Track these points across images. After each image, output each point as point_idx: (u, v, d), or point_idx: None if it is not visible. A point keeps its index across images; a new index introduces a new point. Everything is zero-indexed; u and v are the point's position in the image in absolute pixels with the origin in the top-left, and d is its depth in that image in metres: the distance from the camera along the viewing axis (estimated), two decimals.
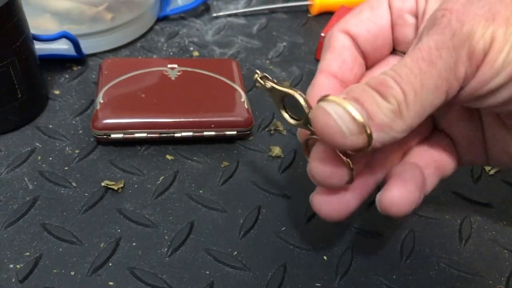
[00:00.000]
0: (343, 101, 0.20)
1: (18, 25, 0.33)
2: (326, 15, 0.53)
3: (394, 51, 0.27)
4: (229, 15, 0.53)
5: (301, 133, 0.26)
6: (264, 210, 0.34)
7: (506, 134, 0.25)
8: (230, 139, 0.38)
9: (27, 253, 0.30)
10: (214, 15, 0.52)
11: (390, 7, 0.26)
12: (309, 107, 0.23)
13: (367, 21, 0.26)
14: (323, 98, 0.21)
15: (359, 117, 0.20)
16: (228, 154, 0.37)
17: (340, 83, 0.26)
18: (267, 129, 0.40)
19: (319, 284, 0.30)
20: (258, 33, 0.51)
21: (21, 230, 0.31)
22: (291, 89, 0.23)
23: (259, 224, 0.33)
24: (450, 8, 0.21)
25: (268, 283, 0.29)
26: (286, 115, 0.25)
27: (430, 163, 0.26)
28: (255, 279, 0.30)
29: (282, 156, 0.38)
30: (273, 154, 0.38)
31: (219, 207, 0.34)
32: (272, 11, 0.54)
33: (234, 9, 0.54)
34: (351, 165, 0.24)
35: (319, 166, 0.24)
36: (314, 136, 0.24)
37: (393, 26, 0.26)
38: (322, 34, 0.46)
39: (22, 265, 0.29)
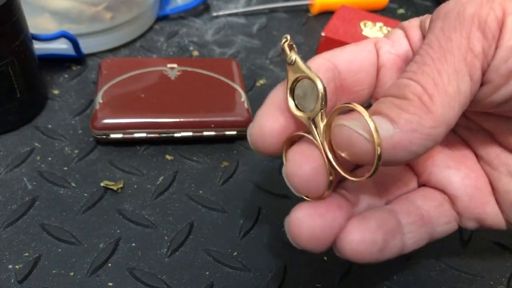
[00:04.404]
0: (364, 113, 0.19)
1: (17, 24, 0.33)
2: (327, 15, 0.53)
3: None
4: (229, 15, 0.53)
5: (283, 129, 0.22)
6: (264, 210, 0.34)
7: None
8: (230, 139, 0.38)
9: (26, 254, 0.29)
10: (214, 14, 0.52)
11: (376, 48, 0.24)
12: (326, 102, 0.20)
13: (350, 52, 0.24)
14: (341, 108, 0.20)
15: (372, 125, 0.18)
16: (228, 154, 0.37)
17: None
18: None
19: (319, 285, 0.30)
20: (258, 32, 0.51)
21: (20, 230, 0.31)
22: (315, 74, 0.20)
23: (259, 224, 0.33)
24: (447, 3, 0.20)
25: (268, 283, 0.29)
26: (291, 102, 0.21)
27: (412, 211, 0.24)
28: (255, 279, 0.30)
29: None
30: None
31: (219, 207, 0.33)
32: (272, 10, 0.54)
33: (234, 8, 0.54)
34: (331, 177, 0.21)
35: (302, 165, 0.21)
36: (304, 134, 0.22)
37: (379, 68, 0.24)
38: (323, 34, 0.46)
39: (21, 266, 0.29)
